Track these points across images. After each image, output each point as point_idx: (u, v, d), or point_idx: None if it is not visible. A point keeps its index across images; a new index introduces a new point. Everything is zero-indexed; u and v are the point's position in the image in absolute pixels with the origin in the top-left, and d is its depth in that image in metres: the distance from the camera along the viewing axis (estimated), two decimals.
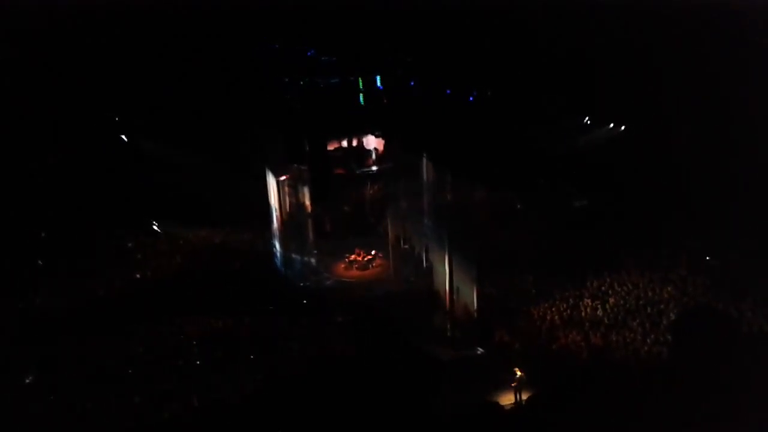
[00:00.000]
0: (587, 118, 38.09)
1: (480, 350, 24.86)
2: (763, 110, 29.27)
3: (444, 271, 26.21)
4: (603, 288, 27.30)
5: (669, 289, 26.81)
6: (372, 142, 32.30)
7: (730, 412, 12.78)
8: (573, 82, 36.06)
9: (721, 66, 31.86)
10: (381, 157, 31.93)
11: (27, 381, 22.82)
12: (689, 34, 32.99)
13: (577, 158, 36.47)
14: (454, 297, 25.89)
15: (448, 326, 26.01)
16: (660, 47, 34.11)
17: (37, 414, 20.97)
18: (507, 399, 21.55)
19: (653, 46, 34.32)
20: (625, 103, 36.04)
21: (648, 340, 23.64)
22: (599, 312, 25.73)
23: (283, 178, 31.10)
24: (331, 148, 31.50)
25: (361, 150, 32.19)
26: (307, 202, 31.23)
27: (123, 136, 36.89)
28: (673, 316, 24.67)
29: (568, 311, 25.93)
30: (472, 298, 25.22)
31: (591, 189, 34.57)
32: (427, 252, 29.69)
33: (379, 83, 31.89)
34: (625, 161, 34.80)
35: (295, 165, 30.75)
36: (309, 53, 33.02)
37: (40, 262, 30.71)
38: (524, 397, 21.39)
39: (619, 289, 27.09)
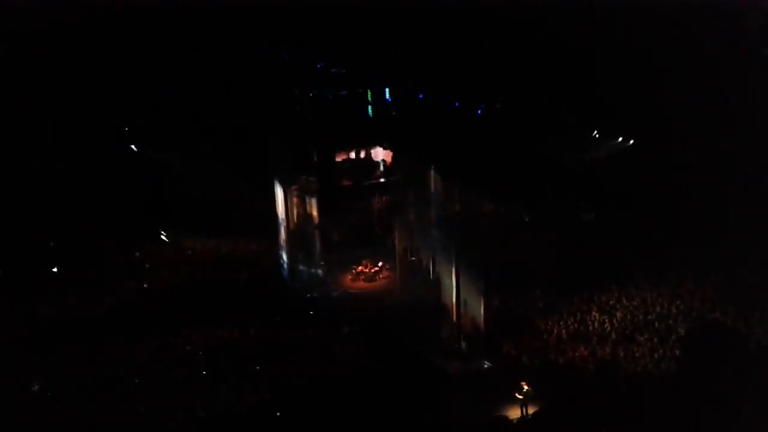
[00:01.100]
0: (596, 132, 38.11)
1: (487, 363, 24.75)
2: None
3: (451, 283, 26.15)
4: (611, 302, 27.16)
5: (677, 303, 26.65)
6: (380, 154, 32.40)
7: (739, 426, 12.71)
8: (582, 96, 36.14)
9: (730, 81, 31.91)
10: (389, 169, 32.00)
11: (33, 389, 22.86)
12: (698, 52, 33.07)
13: (585, 171, 36.44)
14: (461, 309, 25.81)
15: (455, 339, 25.92)
16: (668, 65, 34.21)
17: (43, 422, 20.99)
18: (513, 413, 21.39)
19: (662, 63, 34.43)
20: (633, 116, 36.08)
21: (656, 355, 23.49)
22: (607, 326, 25.59)
23: (291, 188, 31.21)
24: (339, 159, 31.60)
25: (369, 161, 32.28)
26: (315, 213, 31.30)
27: (132, 146, 37.13)
28: (681, 331, 24.52)
29: (576, 325, 25.82)
30: (479, 310, 25.13)
31: (599, 202, 34.50)
32: (434, 264, 29.65)
33: (387, 95, 32.03)
34: (632, 175, 34.77)
35: (304, 176, 30.89)
36: (318, 65, 33.23)
37: (47, 271, 30.80)
38: (531, 410, 21.25)
39: (627, 303, 26.94)
